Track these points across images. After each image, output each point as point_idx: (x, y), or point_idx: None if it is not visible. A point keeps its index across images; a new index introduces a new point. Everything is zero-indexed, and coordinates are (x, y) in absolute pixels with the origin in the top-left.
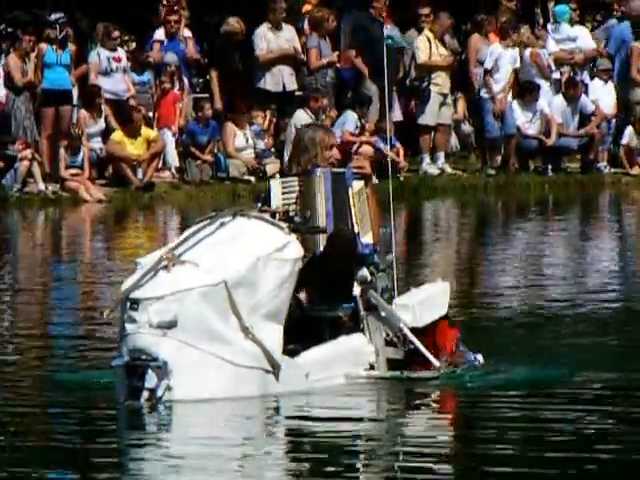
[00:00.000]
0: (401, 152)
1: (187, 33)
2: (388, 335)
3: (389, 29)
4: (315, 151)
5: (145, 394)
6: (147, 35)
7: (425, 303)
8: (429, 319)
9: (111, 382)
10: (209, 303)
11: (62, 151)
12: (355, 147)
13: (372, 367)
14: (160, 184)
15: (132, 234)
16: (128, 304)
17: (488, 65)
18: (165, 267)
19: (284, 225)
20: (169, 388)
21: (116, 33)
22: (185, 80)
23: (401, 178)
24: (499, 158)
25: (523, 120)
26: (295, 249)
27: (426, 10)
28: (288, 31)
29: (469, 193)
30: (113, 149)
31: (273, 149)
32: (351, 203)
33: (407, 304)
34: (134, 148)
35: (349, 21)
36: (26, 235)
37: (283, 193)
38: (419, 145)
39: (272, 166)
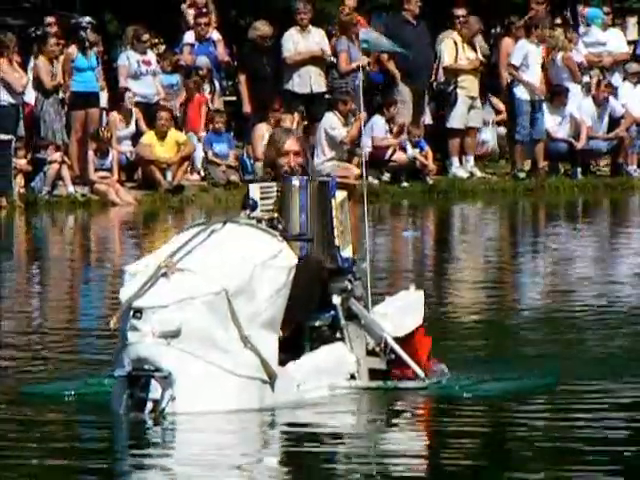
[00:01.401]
0: (430, 155)
1: (216, 36)
2: (368, 344)
3: (365, 32)
4: (272, 156)
5: (149, 405)
6: (174, 38)
7: (404, 312)
8: (409, 328)
9: (81, 394)
10: (211, 312)
11: (91, 154)
12: (389, 153)
13: (353, 377)
14: (189, 187)
15: (161, 236)
16: (131, 313)
17: (517, 62)
18: (165, 275)
19: (276, 232)
20: (172, 399)
21: (146, 36)
22: (216, 83)
23: (430, 181)
24: (529, 161)
25: (552, 123)
26: (289, 256)
27: (462, 11)
28: (317, 34)
29: (498, 196)
30: (143, 152)
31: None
32: (333, 214)
33: (386, 313)
34: (164, 151)
35: (379, 23)
36: (55, 238)
37: (261, 199)
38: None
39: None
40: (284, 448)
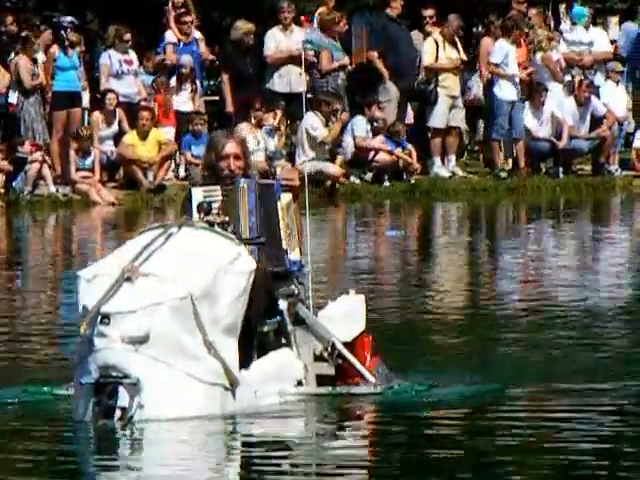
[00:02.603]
0: (413, 154)
1: (198, 35)
2: (316, 350)
3: (308, 32)
4: (211, 160)
5: (118, 413)
6: (154, 37)
7: (349, 316)
8: (356, 332)
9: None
10: (178, 317)
11: (72, 153)
12: (372, 155)
13: (300, 383)
14: (171, 186)
15: None
16: (98, 318)
17: (497, 60)
18: (129, 279)
19: (232, 236)
20: (140, 406)
21: (127, 36)
22: (197, 83)
23: (412, 181)
24: (510, 161)
25: (532, 122)
26: (248, 261)
27: (430, 12)
28: (298, 33)
29: (480, 196)
30: (125, 151)
31: (284, 151)
32: (280, 217)
33: (332, 317)
34: (145, 150)
35: (361, 23)
36: (36, 238)
37: (198, 204)
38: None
39: (285, 169)
40: (245, 458)
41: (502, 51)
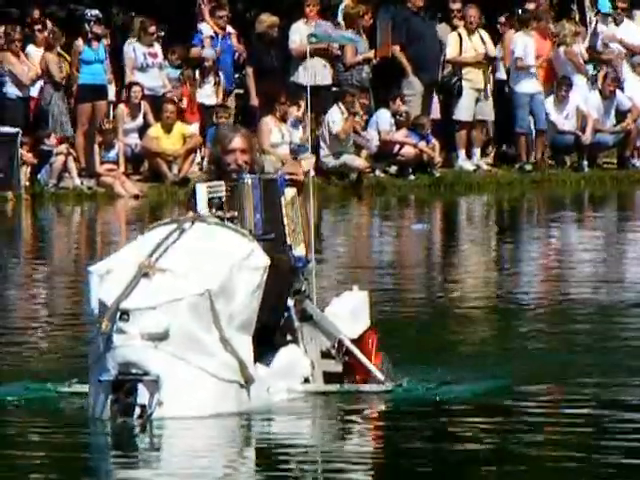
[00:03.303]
0: (437, 148)
1: (230, 29)
2: (323, 346)
3: (313, 25)
4: (217, 154)
5: (137, 410)
6: (183, 31)
7: (355, 313)
8: (362, 329)
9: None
10: (196, 314)
11: (97, 146)
12: (396, 148)
13: (307, 380)
14: (195, 179)
15: None
16: (118, 315)
17: (519, 53)
18: (146, 275)
19: (246, 232)
20: (160, 403)
21: (152, 28)
22: (222, 76)
23: (437, 174)
24: (535, 154)
25: (557, 116)
26: (262, 257)
27: (457, 5)
28: (324, 26)
29: (505, 189)
30: (149, 144)
31: (309, 144)
32: (283, 212)
33: (338, 314)
34: (170, 143)
35: (386, 17)
36: (61, 231)
37: (209, 199)
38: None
39: (307, 161)
40: (261, 456)
41: (522, 43)
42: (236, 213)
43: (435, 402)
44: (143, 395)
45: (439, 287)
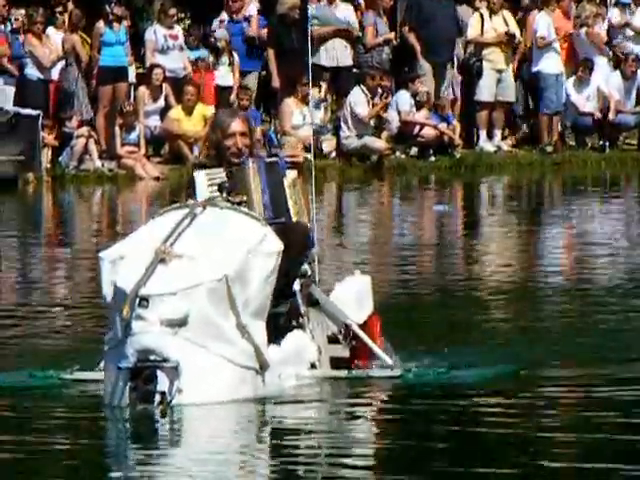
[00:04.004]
0: (457, 129)
1: (253, 10)
2: (329, 331)
3: (315, 8)
4: (216, 137)
5: (157, 397)
6: (202, 13)
7: (360, 297)
8: (367, 314)
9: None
10: (214, 299)
11: (117, 128)
12: (417, 129)
13: (314, 366)
14: None
15: None
16: (137, 301)
17: (543, 33)
18: (163, 261)
19: (259, 216)
20: (179, 390)
21: (173, 10)
22: (236, 57)
23: (458, 155)
24: (552, 135)
25: (578, 97)
26: (275, 241)
27: None
28: (344, 7)
29: (525, 170)
30: (170, 126)
31: (330, 125)
32: (287, 194)
33: (343, 299)
34: (191, 125)
35: None
36: (82, 213)
37: (209, 185)
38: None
39: (328, 143)
40: (276, 443)
41: (544, 23)
42: (245, 197)
43: (446, 386)
44: (163, 382)
45: (458, 268)
